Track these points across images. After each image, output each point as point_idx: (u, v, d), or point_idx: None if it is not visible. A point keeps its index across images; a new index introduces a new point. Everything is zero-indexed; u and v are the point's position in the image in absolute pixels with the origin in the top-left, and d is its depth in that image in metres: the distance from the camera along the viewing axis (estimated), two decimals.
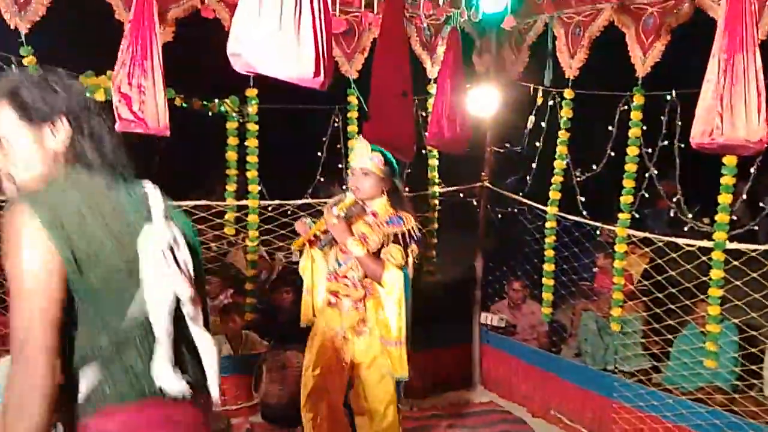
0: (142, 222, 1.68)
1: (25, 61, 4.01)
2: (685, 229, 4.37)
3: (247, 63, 2.04)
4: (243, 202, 4.85)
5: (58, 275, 1.54)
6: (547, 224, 5.03)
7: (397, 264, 3.29)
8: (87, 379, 1.62)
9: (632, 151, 4.42)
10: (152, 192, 1.76)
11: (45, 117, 1.67)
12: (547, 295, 5.14)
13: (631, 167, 4.44)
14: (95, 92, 4.18)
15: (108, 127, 1.76)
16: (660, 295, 4.45)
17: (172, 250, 1.68)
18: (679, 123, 4.19)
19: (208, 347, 1.75)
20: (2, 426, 1.49)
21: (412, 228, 3.35)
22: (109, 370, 1.62)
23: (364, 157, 3.37)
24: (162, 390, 1.64)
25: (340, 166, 5.25)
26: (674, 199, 4.41)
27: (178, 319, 1.68)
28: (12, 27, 3.90)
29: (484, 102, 4.95)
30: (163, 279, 1.64)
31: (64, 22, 4.23)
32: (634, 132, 4.43)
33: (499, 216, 5.63)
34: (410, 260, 3.38)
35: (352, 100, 4.99)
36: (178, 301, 1.67)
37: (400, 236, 3.32)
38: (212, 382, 1.76)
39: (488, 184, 5.49)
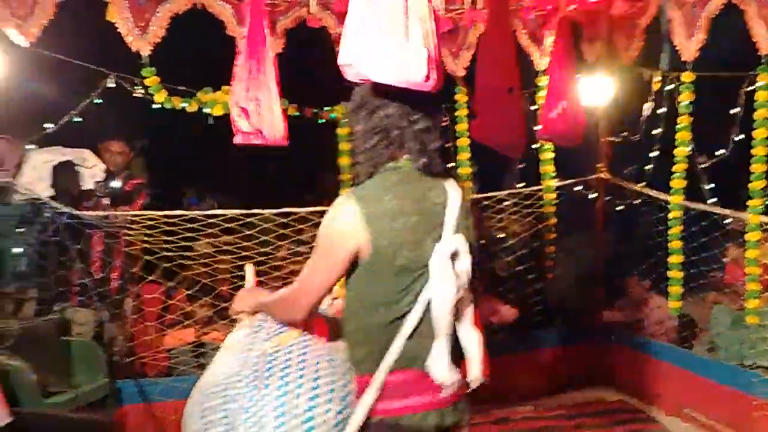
0: (434, 232, 1.98)
1: (147, 82, 4.23)
2: None
3: (358, 72, 2.05)
4: None
5: (349, 255, 1.92)
6: (671, 214, 4.81)
7: None
8: (360, 346, 1.99)
9: (760, 133, 4.17)
10: (452, 201, 2.04)
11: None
12: (674, 289, 4.91)
13: (759, 150, 4.19)
14: (213, 107, 4.35)
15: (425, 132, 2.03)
16: None
17: (453, 257, 1.95)
18: None
19: (474, 341, 2.04)
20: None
21: None
22: (376, 344, 1.95)
23: None
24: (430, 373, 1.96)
25: (449, 165, 5.22)
26: None
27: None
28: (134, 50, 4.12)
29: (597, 91, 4.80)
30: (445, 285, 1.93)
31: (180, 41, 4.42)
32: (760, 113, 4.17)
33: (619, 208, 5.44)
34: None
35: (460, 98, 4.95)
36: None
37: None
38: (474, 369, 2.05)
39: (606, 176, 5.32)
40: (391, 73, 2.04)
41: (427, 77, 2.06)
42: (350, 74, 2.10)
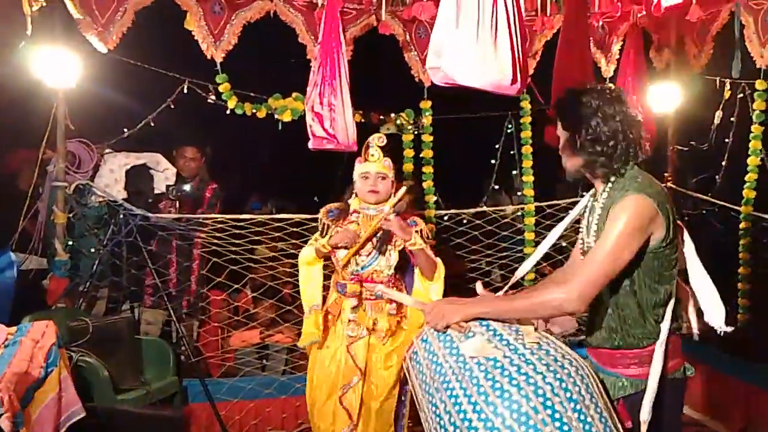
0: None
1: (220, 88, 4.33)
2: None
3: (446, 75, 2.09)
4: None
5: (638, 244, 2.09)
6: (741, 225, 4.72)
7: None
8: (644, 322, 2.20)
9: None
10: None
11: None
12: (743, 301, 4.82)
13: None
14: (283, 113, 4.44)
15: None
16: None
17: None
18: None
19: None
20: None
21: (424, 229, 3.45)
22: (660, 314, 2.20)
23: (379, 162, 3.43)
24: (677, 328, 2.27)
25: (513, 172, 5.21)
26: None
27: None
28: (209, 57, 4.24)
29: (665, 99, 4.74)
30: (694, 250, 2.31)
31: (251, 49, 4.52)
32: None
33: (686, 218, 5.35)
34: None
35: (525, 105, 4.94)
36: None
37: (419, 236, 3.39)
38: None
39: (672, 185, 5.25)
40: (479, 77, 2.08)
41: (514, 80, 2.09)
42: (437, 77, 2.14)
